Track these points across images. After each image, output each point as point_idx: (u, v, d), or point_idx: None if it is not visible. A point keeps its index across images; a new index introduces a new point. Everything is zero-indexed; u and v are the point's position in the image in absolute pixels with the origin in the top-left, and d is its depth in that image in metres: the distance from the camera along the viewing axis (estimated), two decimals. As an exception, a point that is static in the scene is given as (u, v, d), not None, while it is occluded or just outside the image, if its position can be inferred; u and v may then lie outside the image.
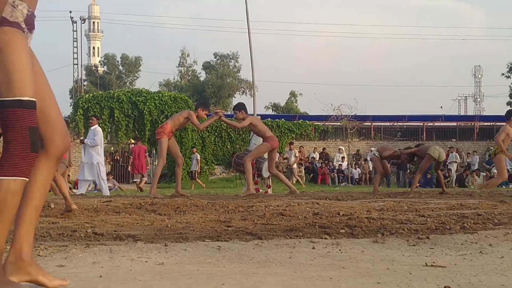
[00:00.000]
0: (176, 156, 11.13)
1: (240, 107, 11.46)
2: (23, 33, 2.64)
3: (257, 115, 30.01)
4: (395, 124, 37.43)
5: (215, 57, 62.96)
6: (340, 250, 3.93)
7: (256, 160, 12.30)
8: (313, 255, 3.72)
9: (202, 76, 62.99)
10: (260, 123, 11.86)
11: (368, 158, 27.85)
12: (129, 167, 24.27)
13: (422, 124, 36.33)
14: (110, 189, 20.83)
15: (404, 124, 37.06)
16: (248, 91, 59.92)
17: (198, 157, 24.84)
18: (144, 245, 3.99)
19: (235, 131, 29.45)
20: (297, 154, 25.43)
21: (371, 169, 28.79)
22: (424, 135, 35.21)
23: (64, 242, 4.36)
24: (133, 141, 29.08)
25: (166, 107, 27.31)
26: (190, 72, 64.58)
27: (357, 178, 28.54)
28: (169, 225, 5.49)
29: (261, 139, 11.67)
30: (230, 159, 12.30)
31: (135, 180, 22.87)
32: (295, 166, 24.43)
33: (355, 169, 29.02)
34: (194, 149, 25.99)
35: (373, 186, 12.34)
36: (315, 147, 30.66)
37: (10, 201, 2.50)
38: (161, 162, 10.96)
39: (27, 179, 2.55)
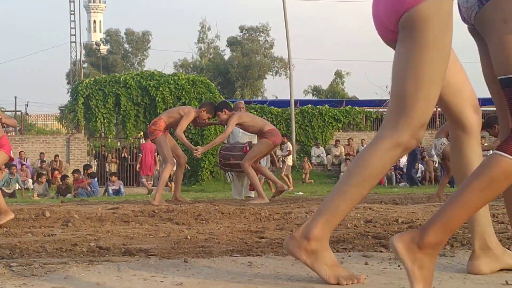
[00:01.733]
0: (177, 155, 11.24)
1: (221, 106, 11.30)
2: None
3: (295, 100, 30.10)
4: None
5: (241, 31, 63.00)
6: (399, 266, 3.91)
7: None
8: (366, 273, 3.70)
9: (227, 54, 63.13)
10: (250, 117, 11.55)
11: (433, 152, 27.66)
12: (138, 165, 24.55)
13: (499, 108, 35.91)
14: (114, 193, 21.15)
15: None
16: (283, 71, 59.89)
17: None
18: (159, 262, 4.02)
19: (267, 121, 29.45)
20: (289, 148, 25.25)
21: (437, 165, 28.60)
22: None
23: (63, 258, 4.41)
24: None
25: (184, 92, 27.44)
26: (211, 50, 64.69)
27: (419, 177, 28.35)
28: (188, 237, 5.52)
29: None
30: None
31: (142, 180, 23.31)
32: (290, 162, 24.35)
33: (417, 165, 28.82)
34: None
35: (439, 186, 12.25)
36: (363, 140, 30.52)
37: (502, 183, 2.72)
38: (169, 165, 10.90)
39: None
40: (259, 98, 54.82)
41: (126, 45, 70.25)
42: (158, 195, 10.61)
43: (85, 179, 22.34)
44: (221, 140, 11.57)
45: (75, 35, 50.98)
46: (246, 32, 62.93)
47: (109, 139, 30.75)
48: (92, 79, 29.47)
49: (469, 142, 3.34)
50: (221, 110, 11.07)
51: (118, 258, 4.34)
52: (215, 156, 27.15)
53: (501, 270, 3.46)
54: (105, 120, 27.68)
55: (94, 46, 67.96)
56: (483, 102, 34.99)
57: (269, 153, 11.73)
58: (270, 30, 62.90)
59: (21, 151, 27.53)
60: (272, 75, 61.76)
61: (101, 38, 77.12)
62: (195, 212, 8.00)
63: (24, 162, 26.08)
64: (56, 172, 26.22)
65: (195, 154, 10.94)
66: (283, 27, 29.50)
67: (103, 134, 29.00)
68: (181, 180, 11.72)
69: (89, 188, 21.52)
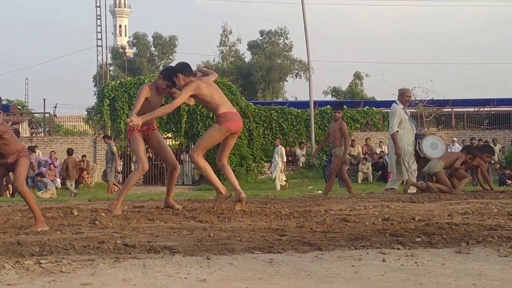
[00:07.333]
0: (166, 160, 9.47)
1: (176, 70, 8.90)
2: None
3: (314, 101, 30.04)
4: (481, 109, 36.83)
5: (261, 35, 63.10)
6: (416, 262, 3.90)
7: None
8: (383, 269, 3.70)
9: (247, 57, 63.20)
10: (210, 90, 8.74)
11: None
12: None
13: (514, 109, 35.67)
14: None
15: (492, 109, 36.42)
16: (303, 73, 59.83)
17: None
18: (183, 259, 4.03)
19: (287, 122, 29.38)
20: (280, 152, 24.51)
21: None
22: (517, 122, 34.58)
23: (90, 255, 4.44)
24: (169, 135, 29.30)
25: (206, 94, 27.44)
26: (233, 53, 64.78)
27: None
28: (211, 235, 5.54)
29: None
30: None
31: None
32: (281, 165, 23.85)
33: (434, 164, 28.65)
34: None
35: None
36: (380, 141, 30.38)
37: None
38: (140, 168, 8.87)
39: None
40: (280, 100, 54.81)
41: (152, 49, 70.49)
42: (119, 201, 8.62)
43: None
44: (165, 111, 9.29)
45: (101, 39, 51.18)
46: (266, 35, 63.01)
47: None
48: (118, 81, 29.57)
49: None
50: (175, 76, 8.77)
51: (144, 255, 4.36)
52: (237, 156, 27.20)
53: None
54: (130, 121, 27.79)
55: (120, 49, 68.25)
56: (498, 102, 34.24)
57: (220, 140, 8.97)
58: (288, 33, 63.06)
59: (52, 151, 27.68)
60: (292, 77, 61.83)
61: (128, 41, 77.41)
62: (218, 211, 8.01)
63: (51, 162, 26.20)
64: (84, 172, 26.38)
65: (129, 124, 8.50)
66: (301, 29, 29.46)
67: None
68: (173, 184, 9.39)
69: None
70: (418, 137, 12.34)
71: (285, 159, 23.90)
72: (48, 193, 20.66)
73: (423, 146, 12.13)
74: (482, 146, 13.87)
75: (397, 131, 12.15)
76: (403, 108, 12.34)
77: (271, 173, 24.90)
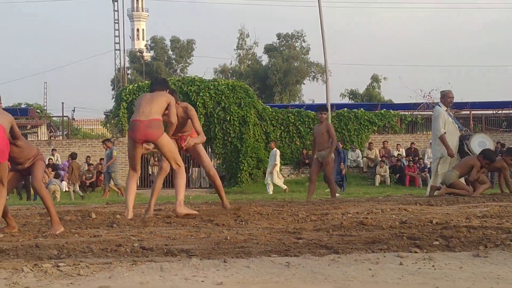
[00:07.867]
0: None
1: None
2: None
3: (331, 104, 30.00)
4: (499, 112, 36.60)
5: (278, 38, 63.13)
6: (433, 266, 3.89)
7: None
8: (400, 273, 3.69)
9: (264, 60, 63.20)
10: (140, 101, 9.14)
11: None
12: None
13: (533, 111, 35.39)
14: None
15: (511, 112, 36.18)
16: (320, 76, 59.77)
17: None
18: (199, 262, 4.04)
19: (304, 125, 29.35)
20: (274, 154, 24.08)
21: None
22: (537, 125, 34.32)
23: (108, 258, 4.45)
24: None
25: (223, 97, 27.49)
26: (250, 56, 64.79)
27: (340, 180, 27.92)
28: (228, 238, 5.54)
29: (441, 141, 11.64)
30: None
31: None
32: (277, 168, 23.51)
33: (451, 167, 28.50)
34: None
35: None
36: (398, 144, 30.28)
37: None
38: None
39: None
40: (297, 102, 54.77)
41: (170, 52, 70.57)
42: (149, 208, 8.86)
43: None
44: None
45: (119, 43, 51.31)
46: (283, 39, 63.01)
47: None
48: (136, 85, 29.68)
49: None
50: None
51: (161, 258, 4.38)
52: (254, 159, 27.20)
53: None
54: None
55: (138, 53, 68.35)
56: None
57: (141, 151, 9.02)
58: (305, 36, 63.03)
59: (69, 155, 27.83)
60: (309, 79, 61.77)
61: (145, 45, 77.55)
62: (235, 214, 8.02)
63: (69, 165, 26.31)
64: (102, 175, 26.49)
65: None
66: (318, 31, 29.40)
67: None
68: (220, 189, 9.36)
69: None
70: (465, 138, 12.20)
71: (277, 163, 23.51)
72: (50, 190, 20.62)
73: (471, 147, 12.00)
74: (507, 149, 13.77)
75: (445, 132, 11.95)
76: (446, 110, 12.21)
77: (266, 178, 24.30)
